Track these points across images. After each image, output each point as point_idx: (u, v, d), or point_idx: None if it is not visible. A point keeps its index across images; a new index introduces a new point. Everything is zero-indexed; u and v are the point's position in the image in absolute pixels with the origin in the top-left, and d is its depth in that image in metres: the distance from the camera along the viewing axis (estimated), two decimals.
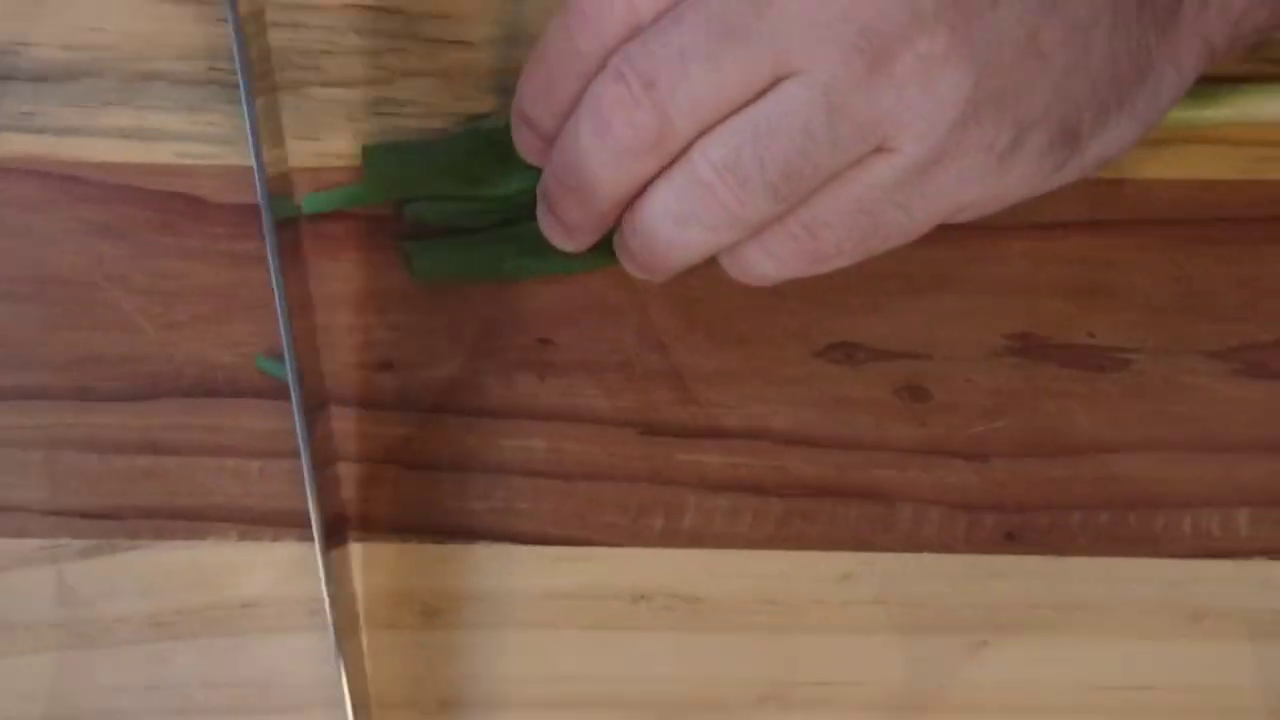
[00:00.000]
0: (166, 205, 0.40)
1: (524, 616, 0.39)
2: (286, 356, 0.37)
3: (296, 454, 0.38)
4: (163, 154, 0.40)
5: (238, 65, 0.37)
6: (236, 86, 0.39)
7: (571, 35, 0.35)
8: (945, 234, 0.38)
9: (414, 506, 0.39)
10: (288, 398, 0.38)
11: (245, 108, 0.37)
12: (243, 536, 0.39)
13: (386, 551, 0.39)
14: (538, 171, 0.38)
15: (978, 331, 0.40)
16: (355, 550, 0.39)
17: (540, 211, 0.38)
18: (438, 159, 0.40)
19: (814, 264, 0.36)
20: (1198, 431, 0.40)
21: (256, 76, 0.39)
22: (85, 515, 0.39)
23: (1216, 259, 0.41)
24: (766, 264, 0.36)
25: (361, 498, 0.39)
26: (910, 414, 0.40)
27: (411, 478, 0.39)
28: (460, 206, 0.40)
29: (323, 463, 0.38)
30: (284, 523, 0.39)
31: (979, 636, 0.39)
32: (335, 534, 0.38)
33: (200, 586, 0.39)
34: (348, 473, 0.39)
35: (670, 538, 0.39)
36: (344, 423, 0.39)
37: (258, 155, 0.37)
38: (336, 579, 0.37)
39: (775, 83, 0.33)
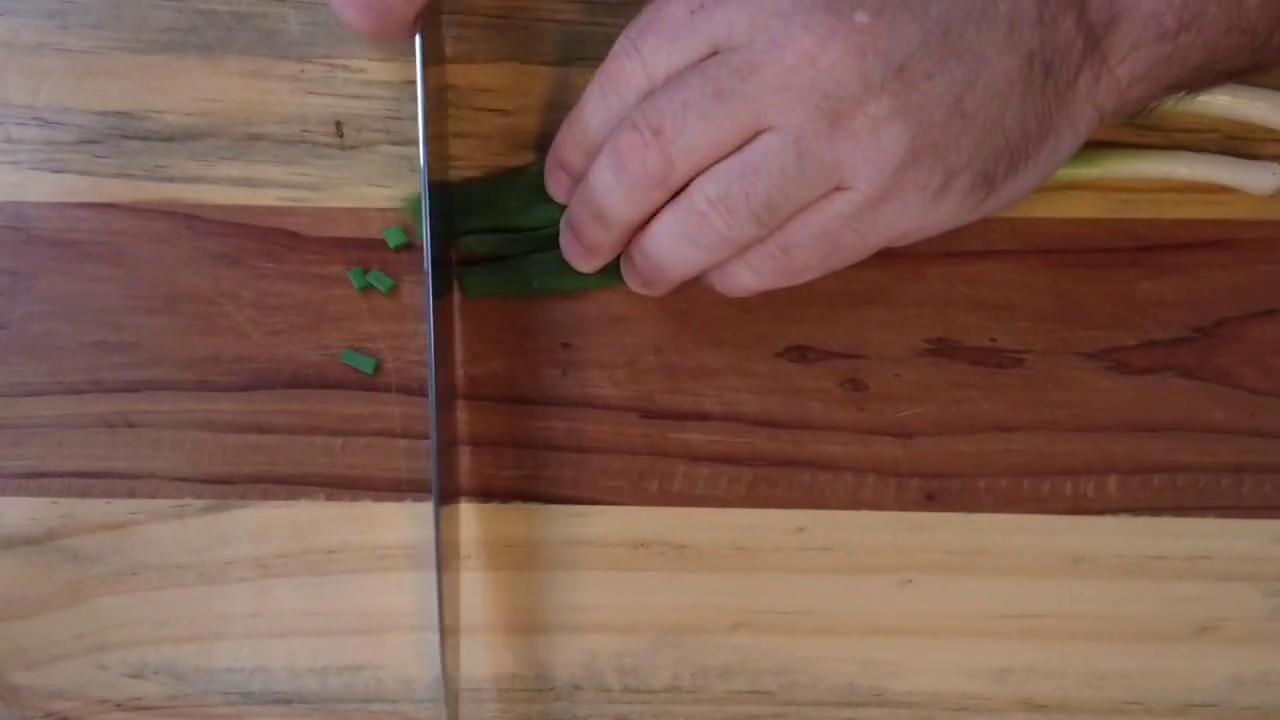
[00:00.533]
0: (270, 238, 0.44)
1: (550, 560, 0.43)
2: (430, 361, 0.40)
3: (373, 432, 0.43)
4: (266, 198, 0.45)
5: (420, 140, 0.41)
6: (324, 144, 0.45)
7: (603, 95, 0.40)
8: (879, 259, 0.42)
9: (460, 475, 0.44)
10: (365, 388, 0.43)
11: (424, 182, 0.41)
12: (329, 497, 0.43)
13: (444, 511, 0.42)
14: (559, 209, 0.43)
15: (904, 336, 0.44)
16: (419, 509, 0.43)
17: (564, 240, 0.42)
18: (485, 198, 0.45)
19: (787, 278, 0.40)
20: (1076, 415, 0.44)
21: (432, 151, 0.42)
22: (204, 481, 0.43)
23: (1090, 280, 0.44)
24: (748, 277, 0.40)
25: (422, 467, 0.44)
26: (851, 401, 0.44)
27: (463, 451, 0.44)
28: (499, 238, 0.44)
29: (448, 441, 0.42)
30: (361, 486, 0.43)
31: (905, 576, 0.43)
32: (450, 496, 0.42)
33: (295, 536, 0.43)
34: (422, 447, 0.44)
35: (663, 498, 0.43)
36: (412, 408, 0.44)
37: (430, 228, 0.40)
38: (443, 530, 0.40)
39: (757, 134, 0.37)
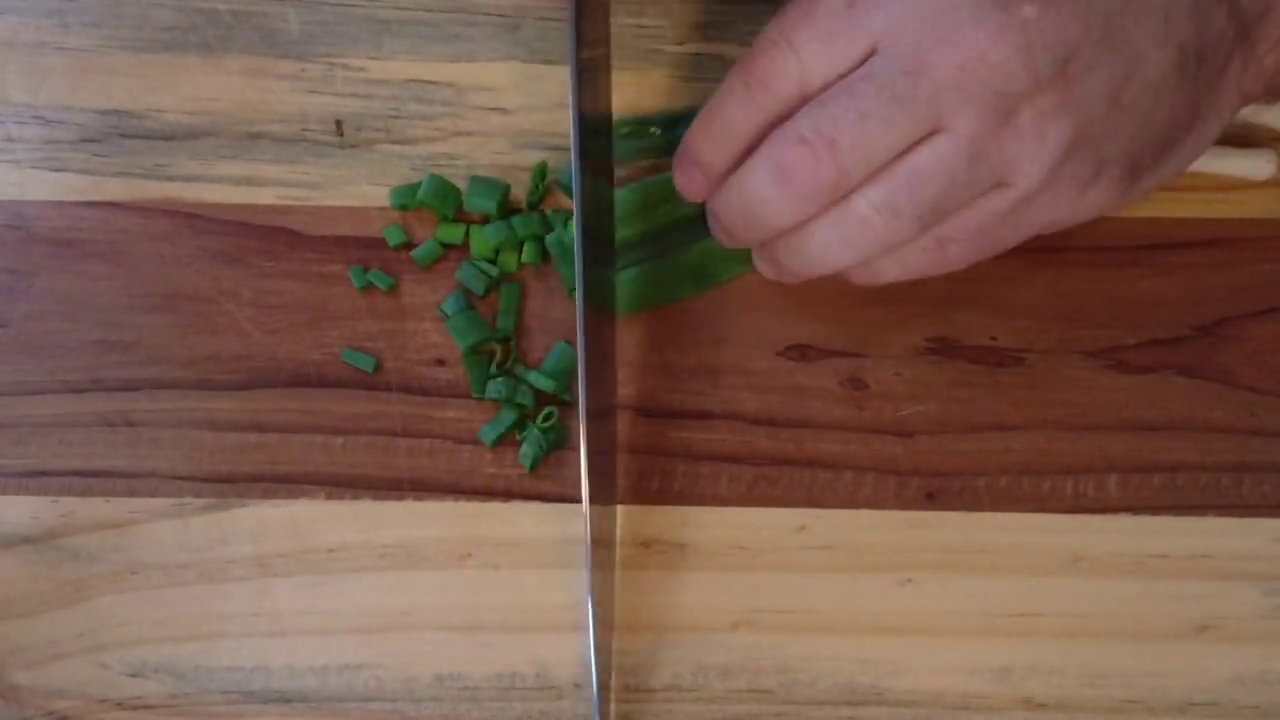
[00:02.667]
0: (269, 236, 0.45)
1: (549, 559, 0.43)
2: (580, 363, 0.40)
3: (373, 431, 0.43)
4: (266, 196, 0.45)
5: (573, 156, 0.40)
6: (324, 143, 0.45)
7: (749, 95, 0.38)
8: None
9: (461, 474, 0.44)
10: (365, 387, 0.44)
11: (577, 211, 0.40)
12: (329, 496, 0.43)
13: (440, 509, 0.43)
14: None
15: (904, 335, 0.44)
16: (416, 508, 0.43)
17: (714, 228, 0.42)
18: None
19: (937, 269, 0.39)
20: (1077, 414, 0.44)
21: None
22: (205, 479, 0.43)
23: (1090, 279, 0.45)
24: (894, 270, 0.39)
25: (431, 465, 0.43)
26: (851, 400, 0.44)
27: (463, 450, 0.44)
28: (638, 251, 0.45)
29: (601, 449, 0.41)
30: (361, 485, 0.43)
31: (905, 574, 0.43)
32: (603, 493, 0.41)
33: (295, 535, 0.43)
34: (440, 447, 0.44)
35: (663, 496, 0.43)
36: (413, 407, 0.44)
37: (582, 248, 0.40)
38: (595, 528, 0.40)
39: (928, 136, 0.37)
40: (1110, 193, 0.38)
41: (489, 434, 0.44)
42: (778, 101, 0.38)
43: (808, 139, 0.37)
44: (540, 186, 0.45)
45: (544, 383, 0.44)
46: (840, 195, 0.38)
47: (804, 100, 0.38)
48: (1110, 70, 0.36)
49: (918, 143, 0.37)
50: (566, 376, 0.44)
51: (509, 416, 0.44)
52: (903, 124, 0.36)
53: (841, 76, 0.37)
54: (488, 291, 0.45)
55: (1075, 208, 0.38)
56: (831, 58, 0.37)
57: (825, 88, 0.37)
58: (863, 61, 0.37)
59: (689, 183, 0.41)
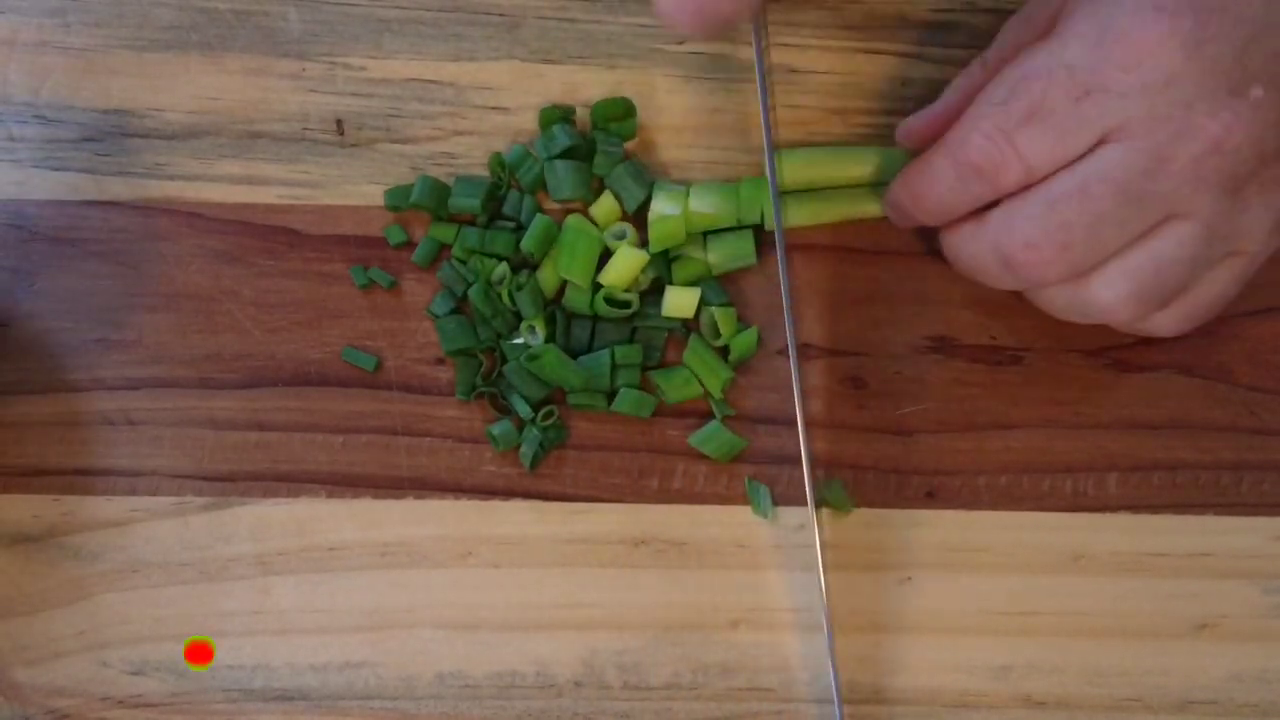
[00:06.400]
0: (270, 236, 0.45)
1: (549, 558, 0.43)
2: (794, 383, 0.42)
3: (374, 429, 0.43)
4: (267, 196, 0.45)
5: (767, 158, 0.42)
6: (325, 142, 0.45)
7: (964, 184, 0.39)
8: (878, 259, 0.44)
9: (461, 472, 0.44)
10: (365, 385, 0.44)
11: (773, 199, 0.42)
12: (330, 495, 0.43)
13: (440, 508, 0.43)
14: None
15: (905, 335, 0.44)
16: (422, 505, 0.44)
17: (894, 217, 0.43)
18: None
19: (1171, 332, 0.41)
20: (1076, 413, 0.44)
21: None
22: (206, 478, 0.44)
23: None
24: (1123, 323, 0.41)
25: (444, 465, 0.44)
26: (852, 399, 0.44)
27: (463, 449, 0.44)
28: None
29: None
30: (362, 483, 0.43)
31: (905, 573, 0.43)
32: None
33: (296, 534, 0.43)
34: (440, 446, 0.44)
35: (663, 495, 0.43)
36: (413, 405, 0.44)
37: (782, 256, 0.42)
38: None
39: (1162, 223, 0.38)
40: None
41: (498, 439, 0.44)
42: (997, 191, 0.39)
43: (1037, 243, 0.38)
44: (504, 181, 0.45)
45: (578, 399, 0.44)
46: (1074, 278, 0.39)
47: (1026, 185, 0.38)
48: None
49: (1151, 230, 0.38)
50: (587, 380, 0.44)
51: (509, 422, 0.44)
52: (1136, 222, 0.37)
53: (1066, 165, 0.37)
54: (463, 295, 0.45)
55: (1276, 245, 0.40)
56: (1056, 154, 0.37)
57: (1049, 176, 0.38)
58: (1089, 150, 0.37)
59: (899, 219, 0.43)
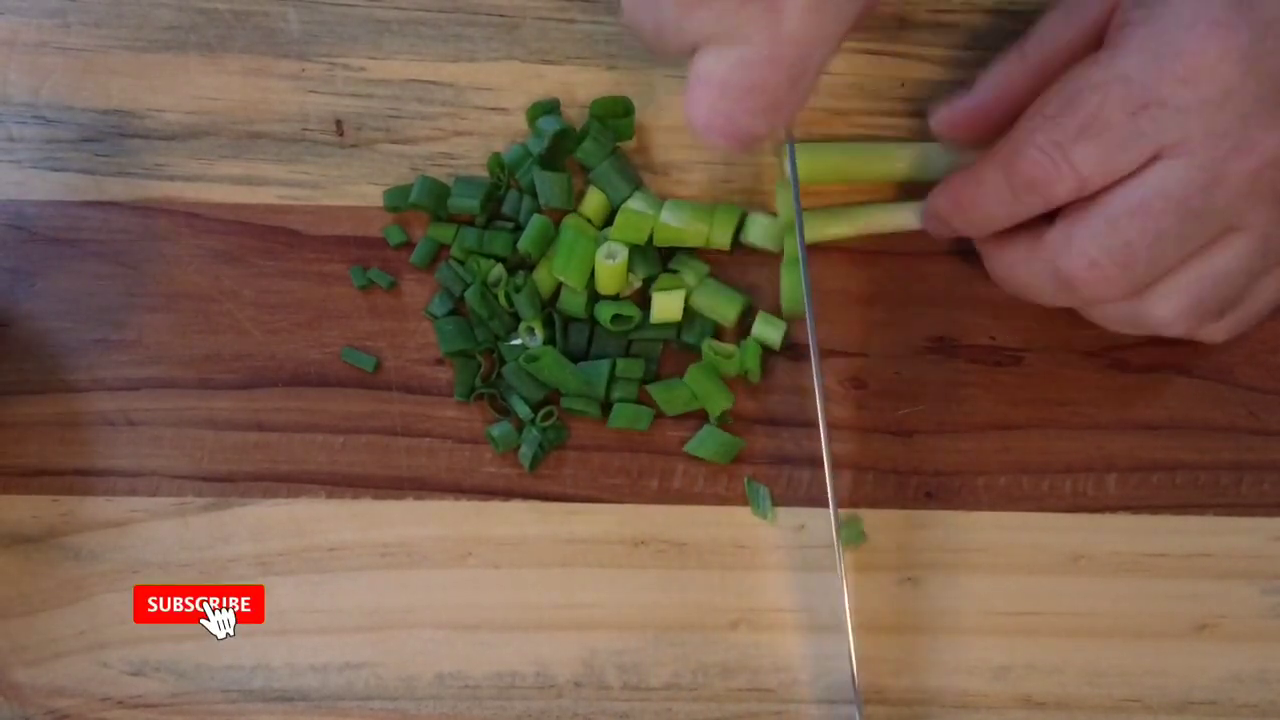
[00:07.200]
0: (270, 236, 0.45)
1: (549, 558, 0.43)
2: (817, 385, 0.42)
3: (373, 430, 0.43)
4: (266, 196, 0.45)
5: (794, 199, 0.42)
6: (324, 142, 0.45)
7: (1016, 197, 0.38)
8: (878, 259, 0.44)
9: (461, 473, 0.44)
10: (365, 386, 0.44)
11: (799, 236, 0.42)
12: (330, 495, 0.43)
13: (440, 508, 0.43)
14: None
15: (904, 335, 0.44)
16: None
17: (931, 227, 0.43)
18: None
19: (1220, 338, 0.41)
20: (1075, 413, 0.44)
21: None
22: (205, 479, 0.44)
23: None
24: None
25: (450, 466, 0.44)
26: (851, 399, 0.44)
27: (463, 449, 0.44)
28: None
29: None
30: (361, 484, 0.43)
31: (905, 573, 0.43)
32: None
33: (296, 534, 0.43)
34: (440, 446, 0.44)
35: (663, 495, 0.44)
36: (412, 406, 0.44)
37: (806, 280, 0.42)
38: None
39: (1221, 237, 0.38)
40: None
41: (497, 440, 0.44)
42: (1049, 204, 0.38)
43: (1100, 263, 0.37)
44: (503, 182, 0.45)
45: (572, 403, 0.44)
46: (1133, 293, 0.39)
47: (1078, 198, 0.38)
48: None
49: (1208, 245, 0.38)
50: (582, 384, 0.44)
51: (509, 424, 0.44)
52: (1196, 238, 0.37)
53: (1120, 180, 0.37)
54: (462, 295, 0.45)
55: None
56: (1111, 168, 0.37)
57: (1104, 190, 0.37)
58: (1144, 165, 0.37)
59: (936, 232, 0.43)
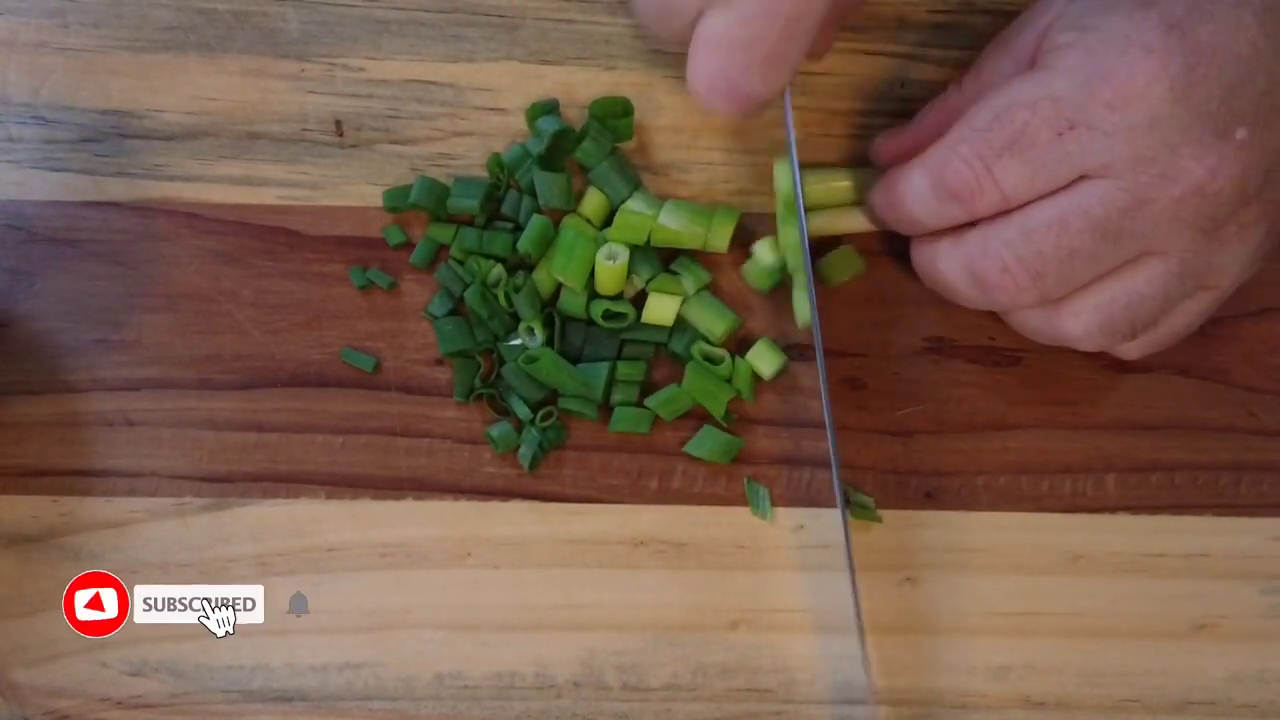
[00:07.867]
0: (269, 236, 0.45)
1: (548, 558, 0.43)
2: (822, 379, 0.42)
3: (373, 430, 0.43)
4: (266, 196, 0.45)
5: (798, 198, 0.42)
6: (324, 143, 0.45)
7: (940, 205, 0.39)
8: (877, 260, 0.44)
9: (460, 473, 0.44)
10: (364, 386, 0.44)
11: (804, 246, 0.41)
12: (329, 495, 0.43)
13: (440, 508, 0.43)
14: None
15: (903, 336, 0.44)
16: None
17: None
18: None
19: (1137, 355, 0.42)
20: (1074, 414, 0.44)
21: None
22: (205, 479, 0.44)
23: None
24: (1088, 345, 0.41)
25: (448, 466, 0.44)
26: (850, 400, 0.44)
27: (462, 449, 0.44)
28: None
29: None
30: (361, 484, 0.43)
31: (905, 573, 0.43)
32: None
33: (295, 535, 0.43)
34: (439, 446, 0.44)
35: (662, 496, 0.44)
36: (412, 406, 0.44)
37: (811, 289, 0.41)
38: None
39: (1138, 259, 0.38)
40: (1266, 261, 0.40)
41: (497, 440, 0.44)
42: (972, 215, 0.39)
43: (1011, 269, 0.38)
44: (503, 182, 0.45)
45: (570, 404, 0.44)
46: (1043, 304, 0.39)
47: (1002, 211, 0.38)
48: None
49: (1125, 265, 0.38)
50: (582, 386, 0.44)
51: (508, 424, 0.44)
52: (1111, 258, 0.38)
53: (1044, 196, 0.37)
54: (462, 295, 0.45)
55: (1249, 276, 0.40)
56: (1034, 186, 0.37)
57: (1026, 205, 0.38)
58: (1069, 184, 0.37)
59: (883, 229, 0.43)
